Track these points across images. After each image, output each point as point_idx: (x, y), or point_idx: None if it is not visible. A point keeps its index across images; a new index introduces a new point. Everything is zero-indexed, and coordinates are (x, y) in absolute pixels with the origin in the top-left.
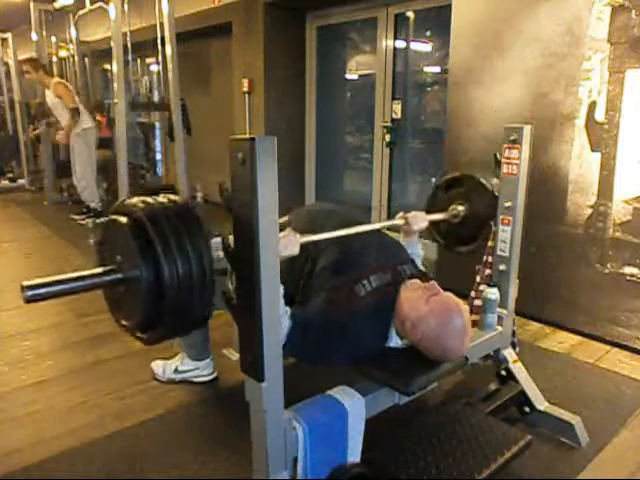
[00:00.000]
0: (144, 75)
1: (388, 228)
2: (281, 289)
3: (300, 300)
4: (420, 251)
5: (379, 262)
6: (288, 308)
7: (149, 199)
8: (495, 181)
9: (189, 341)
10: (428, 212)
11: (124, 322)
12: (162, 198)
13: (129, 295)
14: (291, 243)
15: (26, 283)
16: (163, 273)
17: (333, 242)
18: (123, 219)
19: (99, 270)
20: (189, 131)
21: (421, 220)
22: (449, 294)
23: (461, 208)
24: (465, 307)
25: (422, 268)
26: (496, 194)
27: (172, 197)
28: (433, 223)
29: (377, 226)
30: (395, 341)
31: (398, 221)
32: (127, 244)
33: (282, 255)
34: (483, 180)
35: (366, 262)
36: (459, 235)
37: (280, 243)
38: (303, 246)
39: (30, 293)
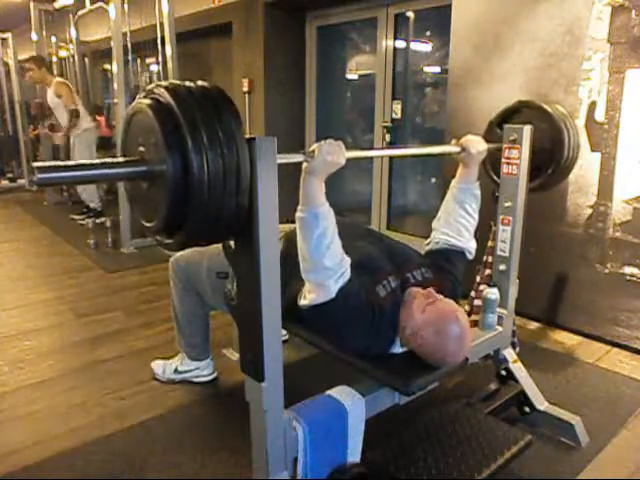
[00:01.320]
0: (144, 72)
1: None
2: (333, 214)
3: None
4: (478, 192)
5: (393, 266)
6: (348, 259)
7: (177, 82)
8: (561, 109)
9: (189, 341)
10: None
11: (147, 224)
12: (193, 84)
13: (153, 191)
14: (337, 150)
15: (37, 164)
16: (191, 166)
17: (352, 247)
18: (146, 101)
19: (120, 159)
20: None
21: (478, 143)
22: (447, 301)
23: None
24: (463, 313)
25: (476, 215)
26: (561, 125)
27: (205, 84)
28: (490, 160)
29: (423, 150)
30: (397, 348)
31: (452, 147)
32: (151, 130)
33: (328, 161)
34: (545, 105)
35: (383, 265)
36: None
37: (322, 148)
38: None
39: (42, 176)
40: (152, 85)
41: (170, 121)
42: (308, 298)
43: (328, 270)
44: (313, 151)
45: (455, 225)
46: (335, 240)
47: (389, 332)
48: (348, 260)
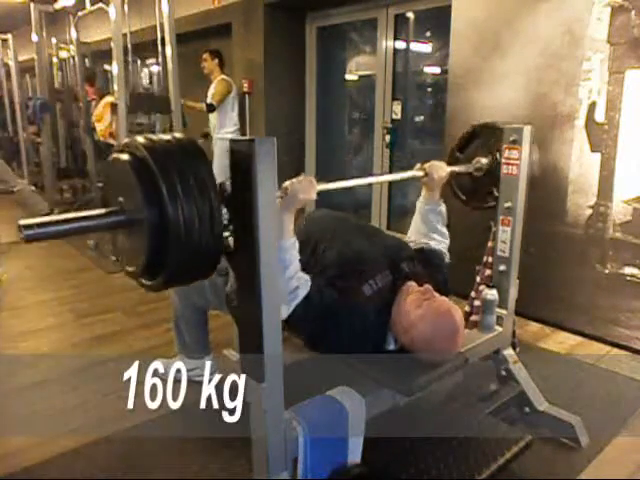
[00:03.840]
0: (144, 68)
1: (405, 180)
2: (296, 246)
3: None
4: (443, 209)
5: (384, 261)
6: (308, 276)
7: (152, 136)
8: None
9: (189, 340)
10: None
11: (129, 268)
12: (167, 136)
13: (133, 238)
14: (308, 187)
15: (23, 222)
16: (168, 214)
17: (337, 242)
18: (124, 156)
19: (101, 211)
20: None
21: (440, 169)
22: (442, 298)
23: (485, 161)
24: (458, 310)
25: (444, 229)
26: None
27: (178, 135)
28: (455, 179)
29: (391, 177)
30: (392, 344)
31: (417, 172)
32: (129, 183)
33: (299, 198)
34: (500, 124)
35: (371, 262)
36: (485, 188)
37: (294, 186)
38: (307, 242)
39: (28, 233)
40: (127, 140)
41: (147, 174)
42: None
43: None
44: (287, 188)
45: (426, 240)
46: (290, 268)
47: (378, 329)
48: (303, 283)
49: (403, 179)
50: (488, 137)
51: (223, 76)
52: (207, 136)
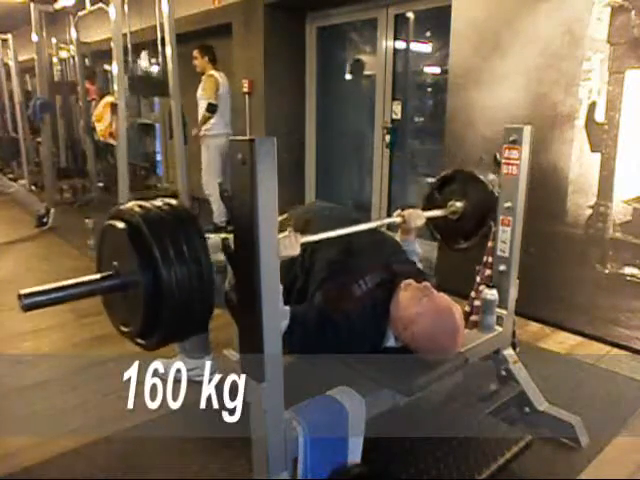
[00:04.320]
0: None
1: (386, 227)
2: (280, 288)
3: (297, 300)
4: (418, 249)
5: (376, 261)
6: (287, 308)
7: (146, 203)
8: (492, 177)
9: (188, 340)
10: (424, 210)
11: (123, 328)
12: (159, 202)
13: (128, 301)
14: (292, 243)
15: (23, 291)
16: (162, 278)
17: (329, 241)
18: (120, 224)
19: (97, 276)
20: (185, 139)
21: (418, 218)
22: (442, 295)
23: (459, 204)
24: (458, 308)
25: (420, 267)
26: (493, 190)
27: (170, 201)
28: (432, 220)
29: (374, 224)
30: (392, 340)
31: (395, 219)
32: (125, 249)
33: (282, 255)
34: (477, 174)
35: (363, 261)
36: (458, 231)
37: (280, 243)
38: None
39: (27, 302)
40: (122, 206)
41: (141, 241)
42: None
43: None
44: None
45: None
46: None
47: (374, 327)
48: (283, 323)
49: (384, 225)
50: (463, 182)
51: (211, 72)
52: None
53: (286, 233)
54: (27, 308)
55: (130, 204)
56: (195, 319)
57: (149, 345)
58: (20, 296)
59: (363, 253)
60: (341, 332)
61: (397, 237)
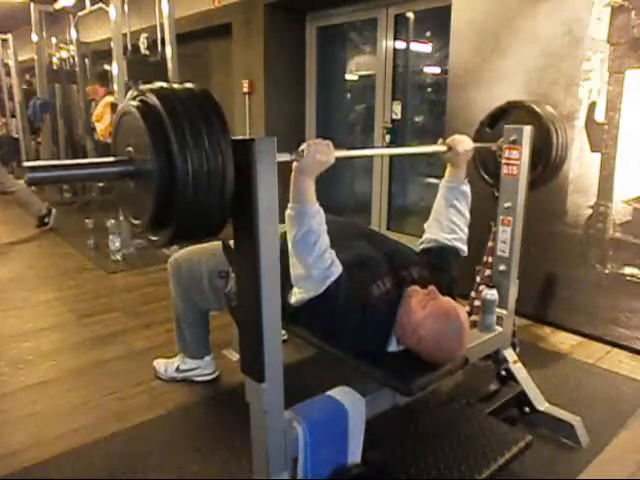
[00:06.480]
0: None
1: (428, 155)
2: (323, 216)
3: None
4: (466, 188)
5: (390, 265)
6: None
7: (166, 85)
8: (549, 108)
9: (189, 339)
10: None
11: (134, 221)
12: (180, 85)
13: (140, 190)
14: (329, 149)
15: (29, 164)
16: (176, 165)
17: (347, 246)
18: (134, 103)
19: (110, 159)
20: None
21: (464, 142)
22: (447, 299)
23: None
24: (463, 310)
25: (466, 212)
26: (547, 122)
27: (191, 85)
28: (482, 163)
29: (412, 150)
30: (394, 345)
31: (439, 147)
32: (138, 132)
33: (317, 159)
34: (533, 106)
35: (379, 264)
36: None
37: (311, 147)
38: None
39: (31, 175)
40: (141, 87)
41: (156, 123)
42: (297, 294)
43: (314, 267)
44: (303, 150)
45: (446, 224)
46: (322, 239)
47: (383, 330)
48: (335, 260)
49: (424, 153)
50: (517, 115)
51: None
52: None
53: (316, 140)
54: (32, 182)
55: (150, 85)
56: (209, 219)
57: (160, 242)
58: (26, 168)
59: (378, 257)
60: (356, 320)
61: (445, 176)
